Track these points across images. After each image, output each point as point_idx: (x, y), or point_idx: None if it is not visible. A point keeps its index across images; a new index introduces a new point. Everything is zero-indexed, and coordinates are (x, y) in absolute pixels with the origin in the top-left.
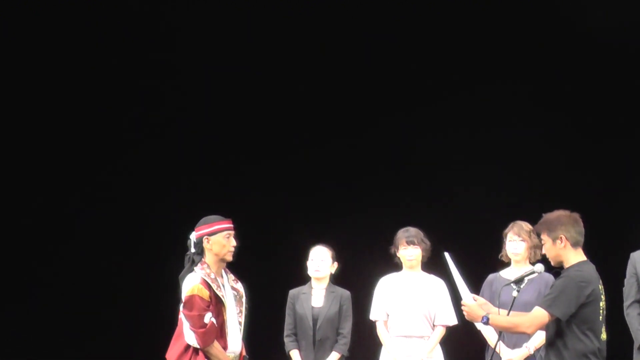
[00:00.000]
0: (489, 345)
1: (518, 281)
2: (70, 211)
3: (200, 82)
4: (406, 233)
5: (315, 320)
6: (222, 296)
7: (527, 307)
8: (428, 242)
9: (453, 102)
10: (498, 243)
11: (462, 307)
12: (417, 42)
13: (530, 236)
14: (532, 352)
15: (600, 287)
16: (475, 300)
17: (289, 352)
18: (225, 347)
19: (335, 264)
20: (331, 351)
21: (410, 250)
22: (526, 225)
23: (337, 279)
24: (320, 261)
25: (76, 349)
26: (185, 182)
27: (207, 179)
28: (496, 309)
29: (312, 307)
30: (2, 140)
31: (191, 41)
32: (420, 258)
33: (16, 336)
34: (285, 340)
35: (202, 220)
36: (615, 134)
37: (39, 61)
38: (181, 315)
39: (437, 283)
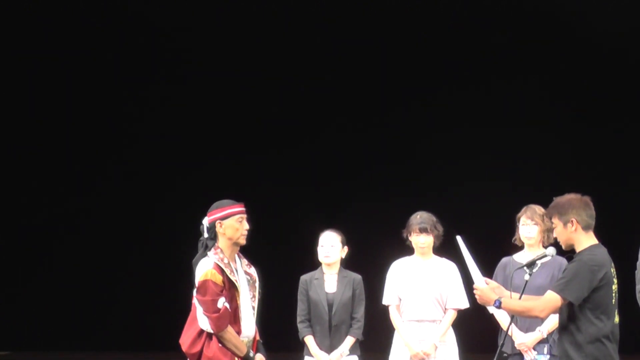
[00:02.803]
0: (501, 329)
1: (530, 265)
2: (82, 198)
3: (212, 71)
4: (419, 220)
5: (330, 306)
6: (236, 281)
7: (540, 291)
8: (440, 229)
9: (464, 88)
10: (512, 227)
11: (474, 291)
12: (422, 33)
13: (543, 220)
14: (545, 336)
15: (613, 270)
16: (487, 283)
17: (303, 338)
18: (238, 332)
19: (346, 249)
20: (346, 336)
21: (422, 238)
22: (539, 209)
23: (348, 263)
24: (330, 247)
25: (88, 337)
26: (198, 169)
27: (220, 165)
28: (508, 292)
29: (327, 293)
30: (8, 139)
31: (194, 35)
32: (432, 245)
33: (24, 327)
34: (299, 326)
35: (215, 205)
36: (627, 118)
37: (38, 61)
38: (194, 300)
39: (448, 266)
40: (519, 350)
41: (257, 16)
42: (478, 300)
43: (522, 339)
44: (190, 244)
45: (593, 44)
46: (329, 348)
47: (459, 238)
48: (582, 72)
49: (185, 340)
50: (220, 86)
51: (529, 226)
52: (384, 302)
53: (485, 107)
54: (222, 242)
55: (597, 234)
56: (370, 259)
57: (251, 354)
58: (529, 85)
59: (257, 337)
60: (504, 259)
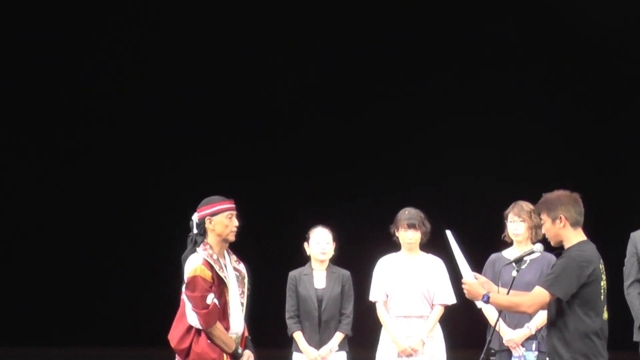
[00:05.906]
0: (490, 325)
1: (518, 261)
2: (71, 192)
3: (204, 62)
4: (407, 215)
5: (320, 302)
6: (225, 277)
7: (529, 287)
8: (428, 225)
9: (454, 82)
10: (501, 223)
11: (463, 285)
12: (416, 26)
13: (530, 216)
14: (533, 332)
15: (601, 266)
16: (476, 278)
17: (292, 333)
18: (227, 328)
19: (334, 245)
20: (335, 331)
21: (410, 234)
22: (527, 206)
23: (336, 260)
24: (326, 244)
25: (76, 332)
26: (187, 163)
27: (209, 160)
28: (497, 287)
29: (316, 289)
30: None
31: (177, 25)
32: (419, 241)
33: (13, 322)
34: (288, 322)
35: (204, 201)
36: (614, 114)
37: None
38: (183, 296)
39: (436, 262)
40: (507, 346)
41: (246, 6)
42: (466, 295)
43: (510, 336)
44: (179, 239)
45: (585, 36)
46: (318, 344)
47: (448, 232)
48: (572, 68)
49: (174, 336)
50: (208, 78)
51: (516, 223)
52: (371, 298)
53: (474, 103)
54: (211, 238)
55: (586, 231)
56: (358, 255)
57: (240, 350)
58: (518, 81)
59: (246, 333)
60: (493, 255)
